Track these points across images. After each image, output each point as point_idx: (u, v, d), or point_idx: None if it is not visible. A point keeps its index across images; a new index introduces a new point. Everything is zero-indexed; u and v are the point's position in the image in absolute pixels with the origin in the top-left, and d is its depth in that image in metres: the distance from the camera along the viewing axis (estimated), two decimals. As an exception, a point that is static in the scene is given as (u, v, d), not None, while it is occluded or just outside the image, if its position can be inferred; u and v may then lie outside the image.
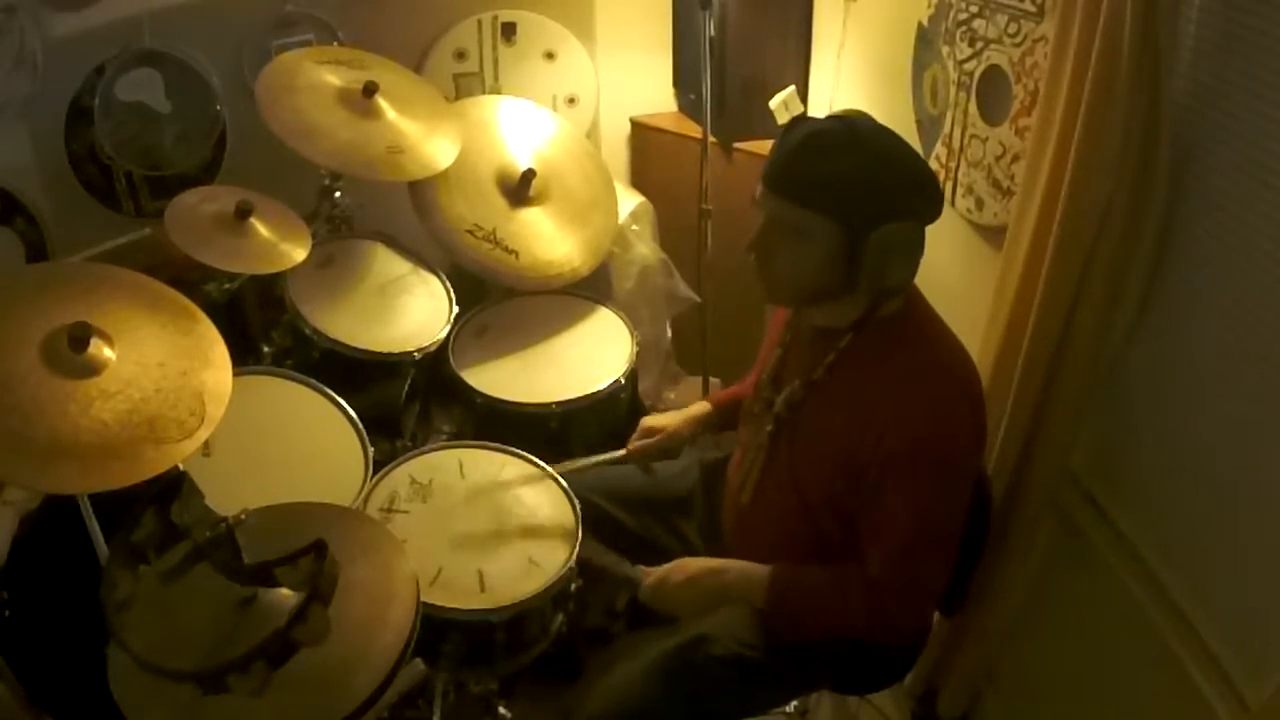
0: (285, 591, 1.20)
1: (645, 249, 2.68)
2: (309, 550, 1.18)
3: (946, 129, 1.99)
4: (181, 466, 1.54)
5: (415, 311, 2.21)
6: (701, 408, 1.83)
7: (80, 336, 1.37)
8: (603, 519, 1.77)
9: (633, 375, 2.22)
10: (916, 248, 1.34)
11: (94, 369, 1.39)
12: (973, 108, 1.88)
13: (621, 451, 1.82)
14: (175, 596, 1.22)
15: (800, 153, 1.31)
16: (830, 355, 1.42)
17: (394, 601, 1.27)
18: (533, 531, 1.73)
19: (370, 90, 2.17)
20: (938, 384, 1.36)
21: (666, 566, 1.55)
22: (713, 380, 2.78)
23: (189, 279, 1.85)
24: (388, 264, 2.28)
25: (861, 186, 1.29)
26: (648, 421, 1.82)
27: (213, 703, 1.10)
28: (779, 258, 1.37)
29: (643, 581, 1.56)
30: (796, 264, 1.36)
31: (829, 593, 1.43)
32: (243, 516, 1.28)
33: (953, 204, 1.98)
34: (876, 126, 1.35)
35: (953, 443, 1.35)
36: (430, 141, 2.21)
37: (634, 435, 1.82)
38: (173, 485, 1.25)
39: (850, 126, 1.33)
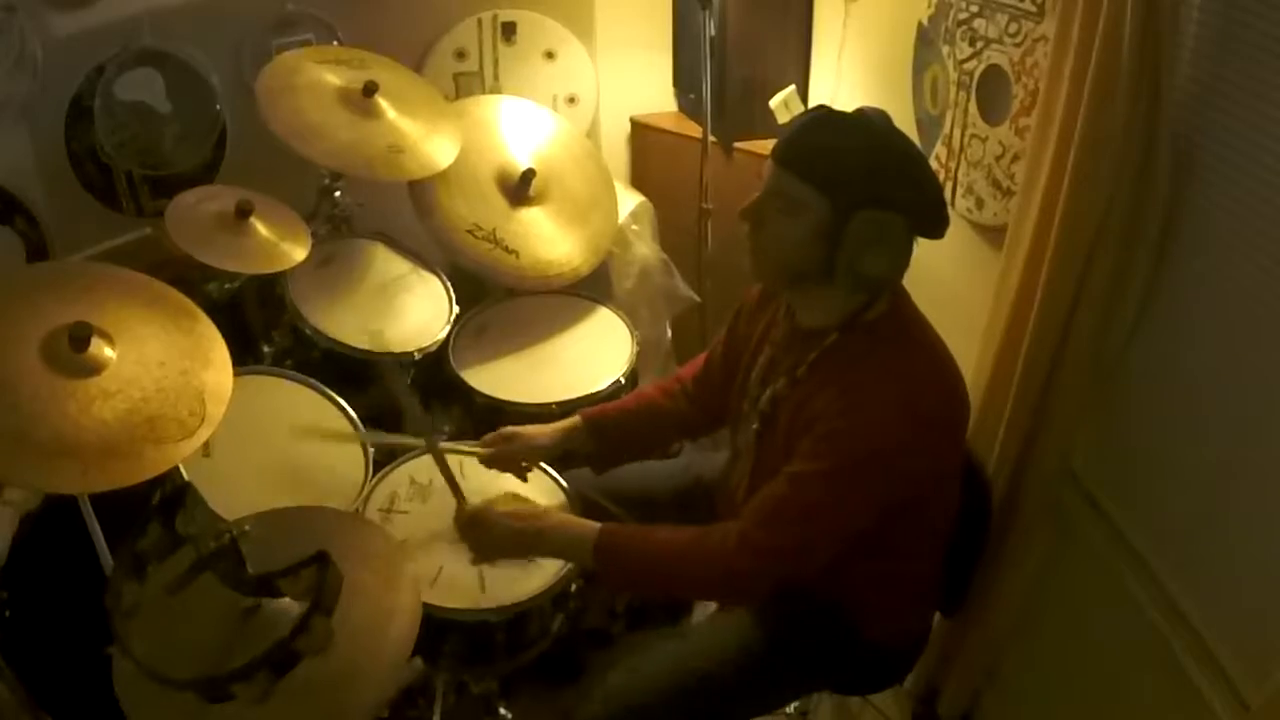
0: (288, 601, 1.20)
1: (645, 249, 2.67)
2: (312, 561, 1.18)
3: (946, 129, 1.99)
4: (184, 471, 1.54)
5: (415, 311, 2.21)
6: (571, 421, 1.77)
7: (80, 336, 1.38)
8: (603, 517, 1.77)
9: (633, 375, 2.22)
10: (899, 243, 1.33)
11: (94, 368, 1.39)
12: (973, 107, 1.88)
13: (475, 449, 1.74)
14: (180, 606, 1.21)
15: (806, 128, 1.35)
16: (813, 354, 1.43)
17: (395, 610, 1.27)
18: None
19: (370, 90, 2.17)
20: (891, 387, 1.35)
21: (490, 502, 1.55)
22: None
23: (189, 278, 1.86)
24: (388, 264, 2.28)
25: (855, 166, 1.31)
26: (506, 430, 1.75)
27: (216, 711, 1.10)
28: (768, 228, 1.39)
29: (462, 508, 1.55)
30: (783, 236, 1.37)
31: (670, 555, 1.42)
32: (246, 527, 1.28)
33: (953, 204, 1.98)
34: (889, 123, 1.37)
35: (872, 442, 1.33)
36: (430, 141, 2.22)
37: (493, 437, 1.75)
38: (177, 495, 1.24)
39: (860, 114, 1.36)
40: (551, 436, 1.75)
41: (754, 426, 1.53)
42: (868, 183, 1.31)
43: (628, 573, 1.47)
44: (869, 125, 1.34)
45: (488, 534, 1.51)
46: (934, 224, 1.38)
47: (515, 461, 1.76)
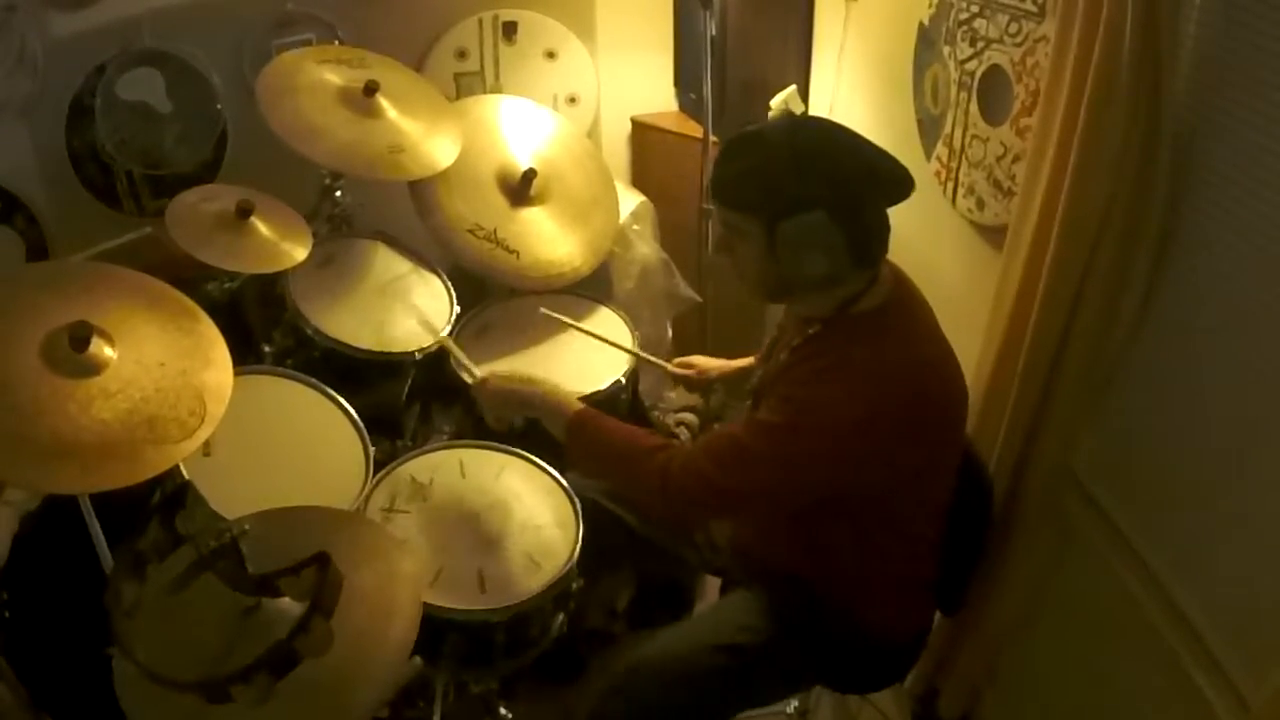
0: (288, 601, 1.20)
1: (646, 249, 2.67)
2: (312, 562, 1.17)
3: (947, 129, 1.99)
4: (184, 470, 1.54)
5: (416, 311, 2.21)
6: (746, 362, 1.90)
7: (81, 336, 1.38)
8: (603, 517, 1.78)
9: (633, 375, 2.22)
10: (827, 239, 1.33)
11: (94, 368, 1.39)
12: (974, 108, 1.88)
13: (662, 363, 2.05)
14: (180, 606, 1.21)
15: (719, 159, 1.41)
16: (798, 340, 1.46)
17: (395, 610, 1.27)
18: (533, 531, 1.73)
19: (371, 89, 2.17)
20: (853, 377, 1.36)
21: (501, 371, 1.71)
22: (713, 380, 2.78)
23: (190, 278, 1.85)
24: (388, 263, 2.28)
25: (757, 183, 1.35)
26: (690, 359, 2.00)
27: (217, 711, 1.10)
28: (734, 256, 1.45)
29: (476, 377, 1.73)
30: (743, 261, 1.43)
31: (625, 451, 1.48)
32: (246, 527, 1.28)
33: (954, 204, 1.98)
34: (794, 124, 1.40)
35: (821, 419, 1.35)
36: (431, 141, 2.21)
37: (680, 361, 2.01)
38: (178, 494, 1.24)
39: (760, 128, 1.40)
40: (724, 371, 1.95)
41: (746, 403, 1.57)
42: (774, 194, 1.34)
43: (587, 455, 1.55)
44: (761, 138, 1.37)
45: (488, 394, 1.66)
46: (876, 195, 1.37)
47: (695, 385, 2.00)
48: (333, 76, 2.20)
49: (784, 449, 1.37)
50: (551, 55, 2.82)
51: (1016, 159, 1.75)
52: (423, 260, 2.32)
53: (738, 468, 1.39)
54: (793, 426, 1.36)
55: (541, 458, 1.87)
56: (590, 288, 2.42)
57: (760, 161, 1.35)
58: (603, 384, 2.12)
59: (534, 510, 1.77)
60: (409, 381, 2.12)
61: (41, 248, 2.25)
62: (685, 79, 2.81)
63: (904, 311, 1.45)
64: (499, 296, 2.39)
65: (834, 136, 1.38)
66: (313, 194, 2.31)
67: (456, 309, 2.24)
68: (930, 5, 2.01)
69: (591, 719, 1.49)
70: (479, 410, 1.72)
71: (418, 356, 2.09)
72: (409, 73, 2.39)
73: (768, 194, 1.34)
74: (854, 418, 1.34)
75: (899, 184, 1.38)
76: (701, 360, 1.99)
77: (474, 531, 1.72)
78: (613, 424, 1.52)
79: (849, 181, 1.35)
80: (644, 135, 2.98)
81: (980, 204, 1.90)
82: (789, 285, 1.40)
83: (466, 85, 2.76)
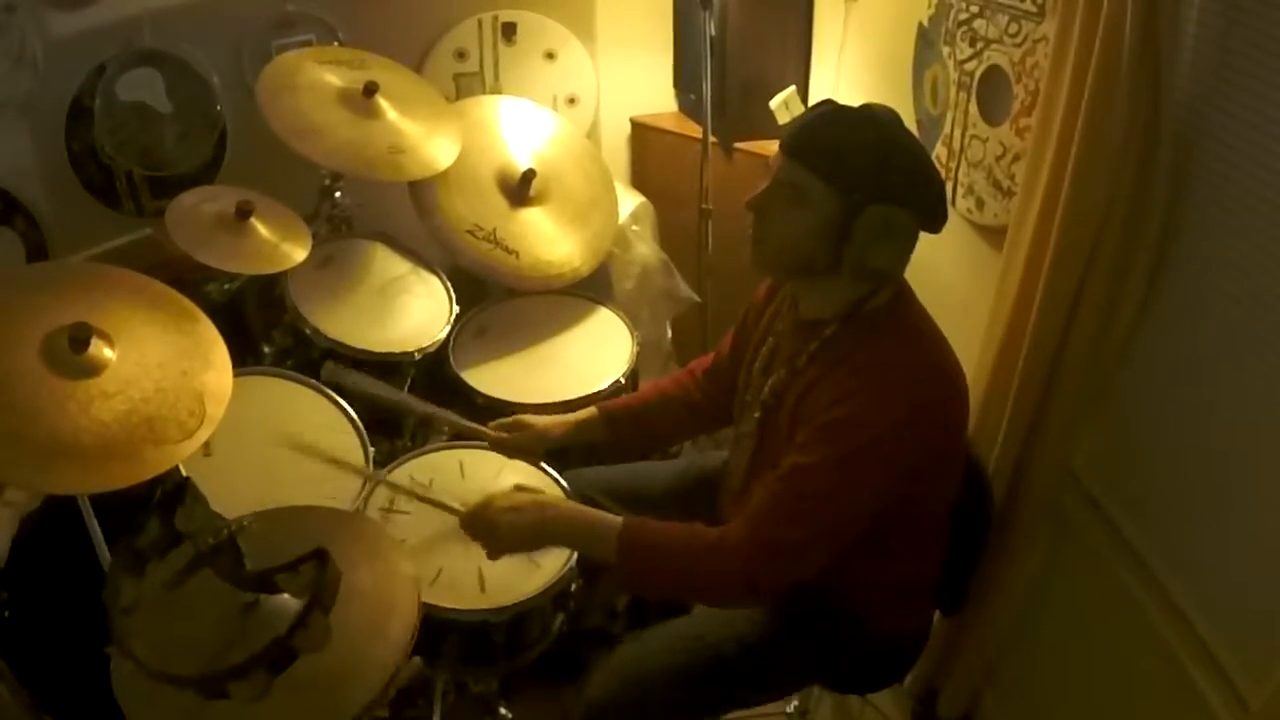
0: (287, 598, 1.20)
1: (645, 249, 2.67)
2: (310, 558, 1.17)
3: (947, 129, 1.99)
4: (183, 470, 1.54)
5: (415, 311, 2.21)
6: (586, 412, 1.82)
7: (80, 337, 1.38)
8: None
9: (633, 375, 2.22)
10: (906, 238, 1.35)
11: (94, 369, 1.39)
12: (973, 108, 1.88)
13: (482, 429, 1.80)
14: (178, 602, 1.21)
15: (818, 121, 1.37)
16: (814, 344, 1.44)
17: (395, 609, 1.27)
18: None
19: (371, 90, 2.17)
20: (887, 376, 1.35)
21: (489, 497, 1.51)
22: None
23: (189, 279, 1.86)
24: (388, 264, 2.28)
25: (867, 161, 1.32)
26: (519, 418, 1.82)
27: (214, 707, 1.10)
28: (775, 219, 1.40)
29: (461, 514, 1.52)
30: (789, 228, 1.38)
31: (681, 547, 1.39)
32: (245, 523, 1.28)
33: (953, 204, 1.98)
34: (897, 119, 1.38)
35: (869, 430, 1.32)
36: (431, 141, 2.22)
37: (505, 423, 1.81)
38: (177, 491, 1.24)
39: (869, 109, 1.38)
40: (564, 427, 1.80)
41: (755, 415, 1.54)
42: (878, 179, 1.32)
43: (646, 570, 1.41)
44: (879, 121, 1.35)
45: (494, 532, 1.47)
46: (937, 218, 1.39)
47: (526, 450, 1.81)
48: (332, 77, 2.20)
49: (841, 480, 1.34)
50: (551, 56, 2.82)
51: (1016, 159, 1.75)
52: (422, 261, 2.32)
53: (806, 517, 1.35)
54: (842, 456, 1.33)
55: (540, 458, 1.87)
56: (590, 288, 2.42)
57: (873, 141, 1.33)
58: (603, 384, 2.12)
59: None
60: (409, 381, 2.12)
61: (41, 248, 2.25)
62: (685, 79, 2.81)
63: (910, 306, 1.45)
64: (498, 297, 2.39)
65: (925, 150, 1.39)
66: (312, 194, 2.32)
67: (456, 309, 2.24)
68: (930, 5, 2.01)
69: (591, 715, 1.49)
70: (473, 538, 1.50)
71: (417, 357, 2.10)
72: (409, 74, 2.40)
73: (870, 174, 1.32)
74: (895, 421, 1.32)
75: (946, 218, 1.40)
76: (531, 419, 1.82)
77: (474, 532, 1.71)
78: (659, 525, 1.42)
79: (936, 196, 1.37)
80: (644, 136, 2.98)
81: (980, 204, 1.90)
82: (830, 265, 1.37)
83: (466, 86, 2.76)
